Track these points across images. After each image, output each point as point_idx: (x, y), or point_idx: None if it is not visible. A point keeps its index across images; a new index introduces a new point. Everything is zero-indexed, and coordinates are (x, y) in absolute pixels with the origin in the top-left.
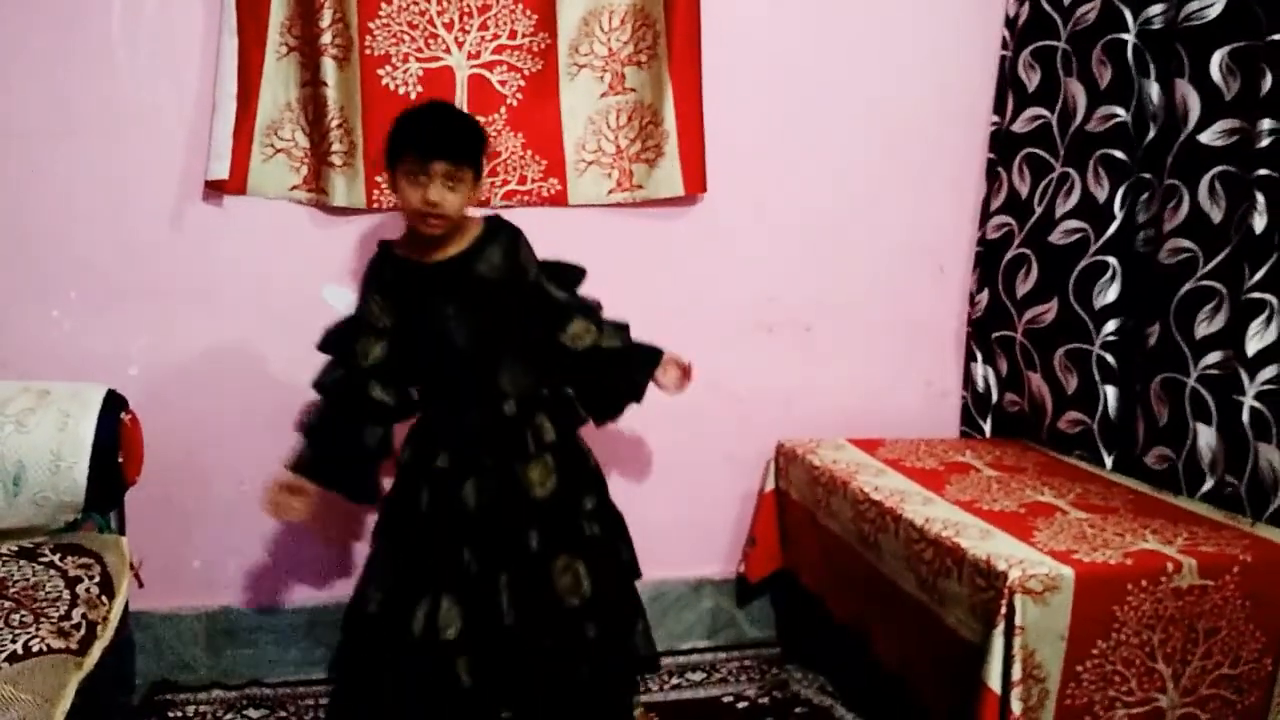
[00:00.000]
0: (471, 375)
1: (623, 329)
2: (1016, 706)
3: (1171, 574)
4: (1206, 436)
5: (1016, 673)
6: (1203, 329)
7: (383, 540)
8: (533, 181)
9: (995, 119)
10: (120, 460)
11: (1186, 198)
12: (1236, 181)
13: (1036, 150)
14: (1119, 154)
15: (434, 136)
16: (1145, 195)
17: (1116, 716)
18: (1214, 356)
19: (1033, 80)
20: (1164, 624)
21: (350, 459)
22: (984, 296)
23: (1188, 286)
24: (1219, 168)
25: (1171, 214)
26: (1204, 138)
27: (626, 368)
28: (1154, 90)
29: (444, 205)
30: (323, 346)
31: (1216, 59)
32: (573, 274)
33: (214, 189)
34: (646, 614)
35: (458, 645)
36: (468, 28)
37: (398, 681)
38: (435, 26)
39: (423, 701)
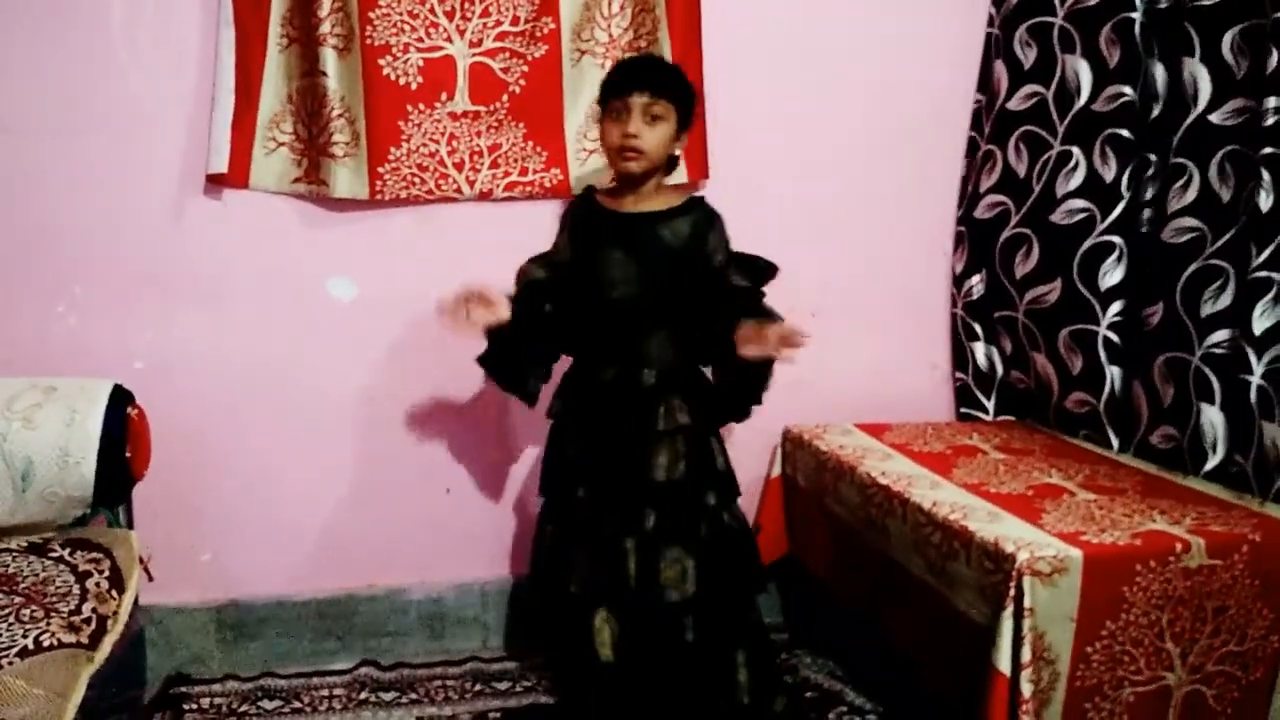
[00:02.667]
0: (619, 332)
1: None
2: (1027, 689)
3: (1180, 554)
4: (1210, 415)
5: (1026, 655)
6: (1208, 308)
7: (549, 495)
8: (534, 172)
9: (979, 97)
10: (128, 455)
11: (1196, 177)
12: (1245, 161)
13: (1034, 128)
14: (1126, 133)
15: (634, 70)
16: (1149, 175)
17: (1124, 696)
18: (1219, 335)
19: (1029, 57)
20: (1173, 604)
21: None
22: (980, 277)
23: (1195, 266)
24: (1229, 147)
25: (1179, 194)
26: (1214, 117)
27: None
28: (1159, 70)
29: (641, 139)
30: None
31: (1228, 39)
32: (763, 270)
33: (216, 183)
34: (767, 649)
35: (586, 598)
36: (469, 14)
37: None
38: (436, 15)
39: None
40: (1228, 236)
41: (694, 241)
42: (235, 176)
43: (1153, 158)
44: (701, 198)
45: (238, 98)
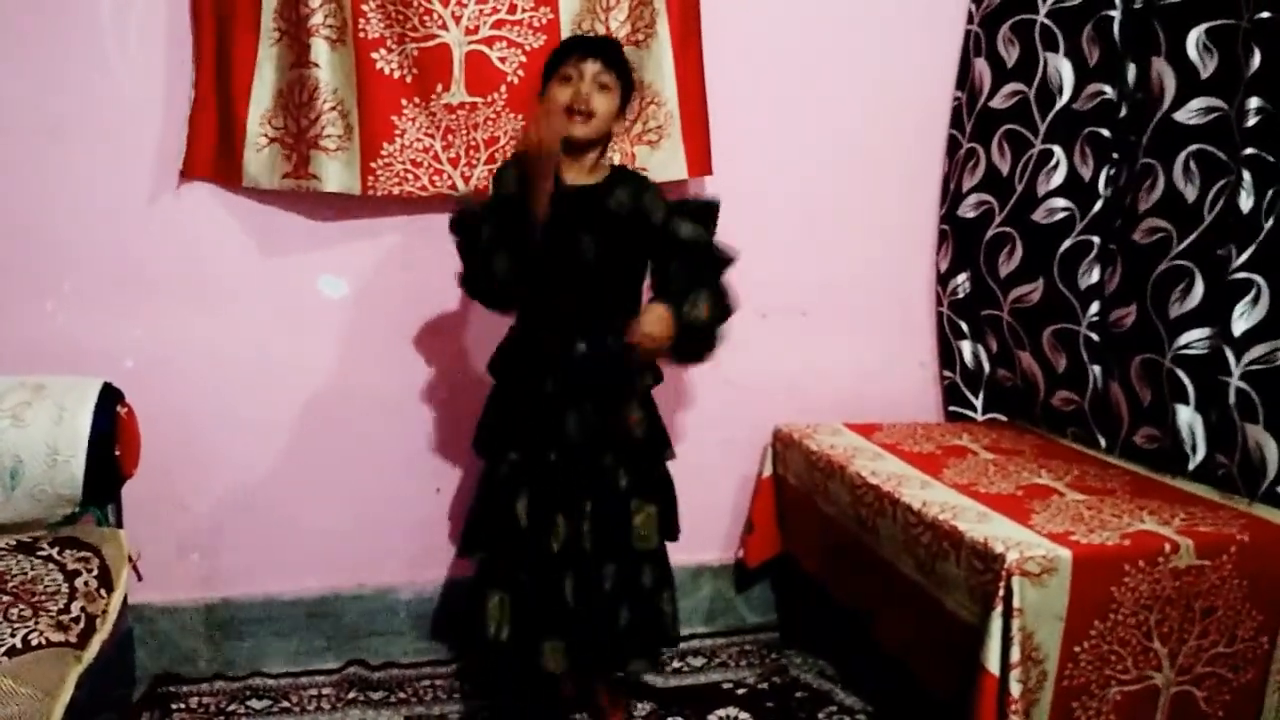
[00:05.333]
0: (587, 303)
1: (722, 302)
2: (1015, 688)
3: (1169, 554)
4: (1186, 416)
5: (1015, 654)
6: (1176, 309)
7: (489, 454)
8: None
9: (958, 94)
10: (117, 453)
11: (1161, 177)
12: (1211, 160)
13: (1016, 127)
14: (1105, 132)
15: (588, 42)
16: (1124, 174)
17: (1111, 695)
18: (1188, 336)
19: (1011, 55)
20: (1161, 604)
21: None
22: (965, 276)
23: (1163, 266)
24: (1194, 146)
25: (1147, 193)
26: (1179, 116)
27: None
28: (1132, 69)
29: (592, 102)
30: (455, 223)
31: (1193, 37)
32: (705, 209)
33: (207, 180)
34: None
35: (563, 559)
36: (465, 1)
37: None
38: (431, 2)
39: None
40: (1193, 237)
41: (633, 205)
42: (228, 174)
43: (1121, 155)
44: (624, 166)
45: (231, 95)
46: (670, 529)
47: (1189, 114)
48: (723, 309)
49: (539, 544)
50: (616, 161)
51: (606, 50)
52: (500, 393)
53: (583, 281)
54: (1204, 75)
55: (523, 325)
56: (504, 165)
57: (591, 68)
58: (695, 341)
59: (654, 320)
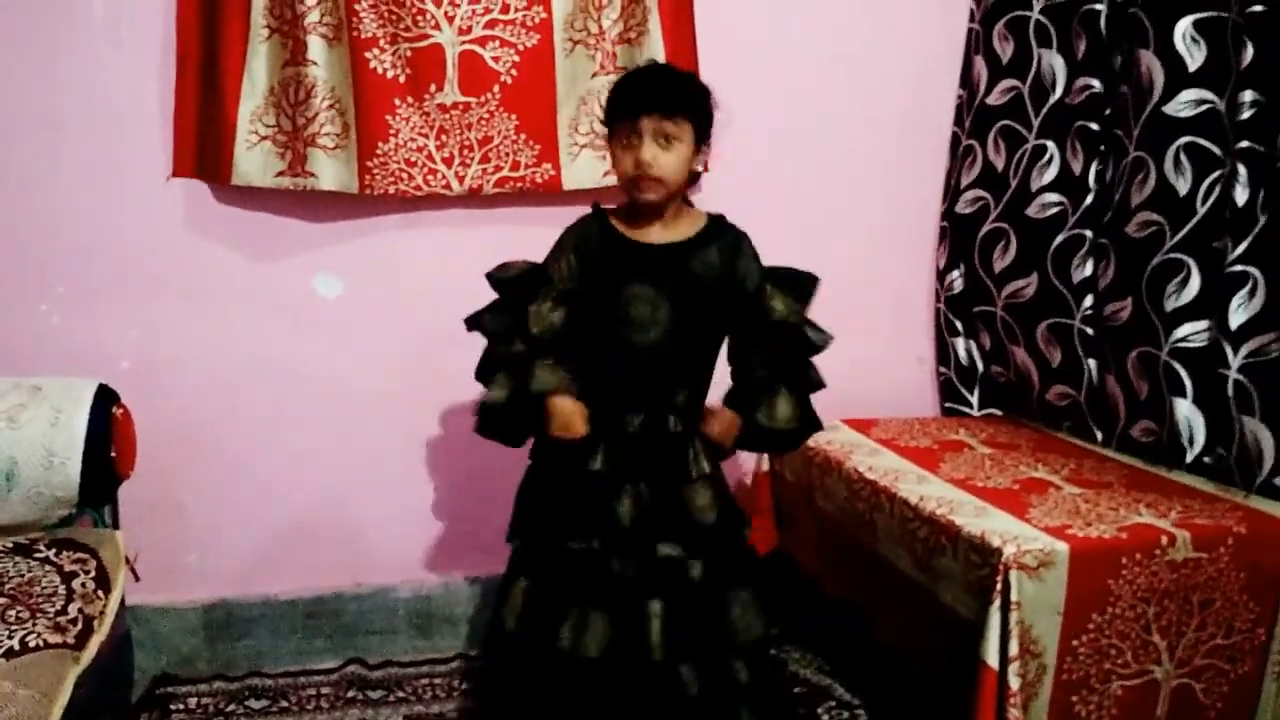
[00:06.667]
0: (650, 375)
1: (805, 405)
2: (1014, 682)
3: (1166, 547)
4: (1184, 409)
5: (1013, 648)
6: (1172, 302)
7: (526, 543)
8: (526, 167)
9: (960, 92)
10: (113, 455)
11: (1153, 170)
12: (1202, 153)
13: (1010, 122)
14: (1094, 126)
15: (640, 91)
16: (1111, 167)
17: (1112, 689)
18: (1185, 329)
19: (1006, 52)
20: (1159, 597)
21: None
22: (960, 271)
23: (1157, 260)
24: (1185, 139)
25: (1139, 187)
26: (1169, 109)
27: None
28: (1118, 61)
29: (657, 165)
30: (491, 307)
31: (1180, 29)
32: (805, 284)
33: (198, 179)
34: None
35: (599, 664)
36: (458, 1)
37: (538, 694)
38: (424, 2)
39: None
40: (1187, 230)
41: (725, 270)
42: (218, 172)
43: (1120, 149)
44: (722, 216)
45: (220, 92)
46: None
47: (1179, 106)
48: (804, 415)
49: (571, 650)
50: (601, 164)
51: (665, 98)
52: (537, 474)
53: (651, 351)
54: (1192, 68)
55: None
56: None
57: (650, 125)
58: (769, 444)
59: (722, 425)
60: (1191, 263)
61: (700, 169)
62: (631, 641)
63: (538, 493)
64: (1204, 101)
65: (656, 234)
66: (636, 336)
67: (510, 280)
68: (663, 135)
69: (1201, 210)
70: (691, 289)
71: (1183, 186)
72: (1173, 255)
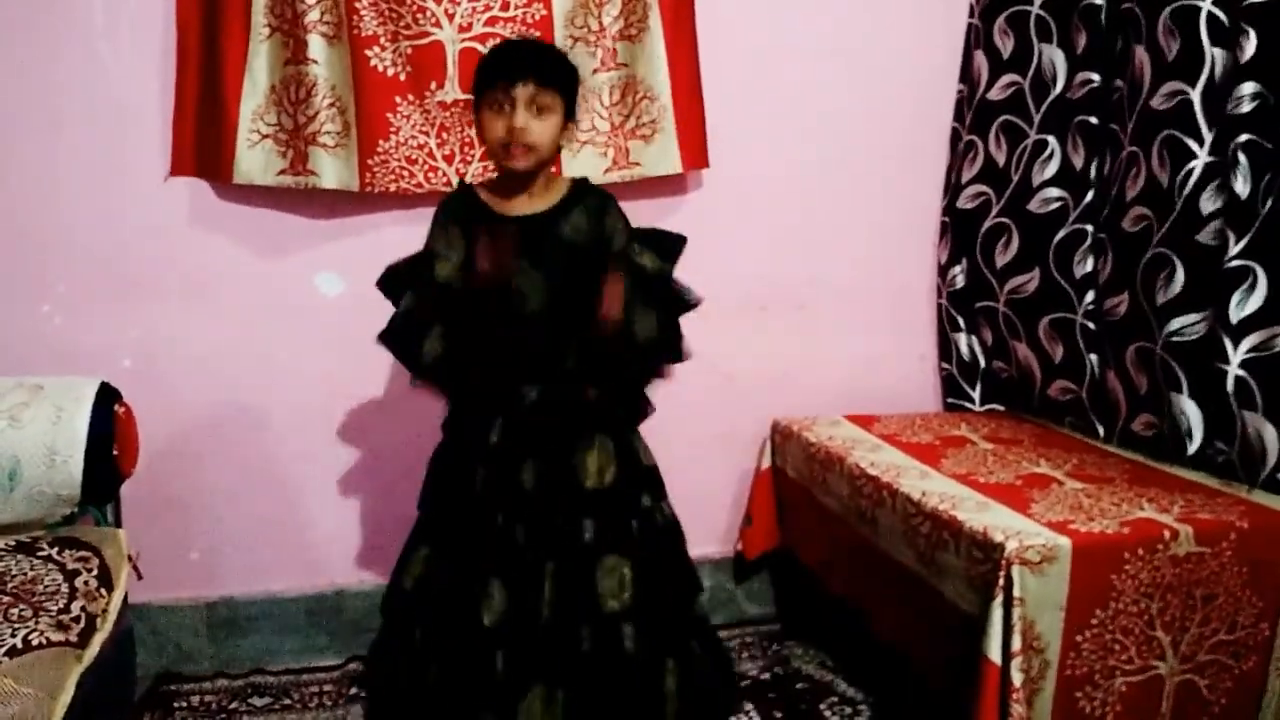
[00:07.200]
0: (537, 344)
1: (672, 331)
2: (1017, 678)
3: (1169, 542)
4: (1181, 403)
5: (1016, 644)
6: (1161, 296)
7: (430, 513)
8: None
9: (960, 87)
10: (115, 453)
11: (1144, 164)
12: (1177, 144)
13: (1011, 117)
14: (1094, 121)
15: (516, 58)
16: (1108, 162)
17: (1116, 685)
18: (1177, 323)
19: (1007, 46)
20: (1162, 592)
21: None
22: (961, 267)
23: (1148, 254)
24: (1165, 132)
25: (1133, 181)
26: (1154, 102)
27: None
28: (1117, 56)
29: (530, 133)
30: (384, 282)
31: (1161, 21)
32: (671, 244)
33: (199, 177)
34: (713, 647)
35: (497, 633)
36: None
37: (438, 663)
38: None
39: (459, 686)
40: (1169, 223)
41: (593, 231)
42: (219, 170)
43: (1103, 143)
44: (585, 179)
45: (221, 90)
46: (667, 585)
47: (1160, 100)
48: (668, 334)
49: (469, 617)
50: (603, 161)
51: (539, 67)
52: (444, 449)
53: (532, 322)
54: (1169, 59)
55: (472, 373)
56: (443, 202)
57: (524, 92)
58: (636, 346)
59: (611, 294)
60: (1174, 256)
61: (564, 141)
62: (528, 604)
63: (445, 464)
64: (1178, 93)
65: (522, 205)
66: (519, 308)
67: (400, 270)
68: (536, 104)
69: (1179, 203)
70: (565, 256)
71: (1164, 179)
72: (1160, 250)
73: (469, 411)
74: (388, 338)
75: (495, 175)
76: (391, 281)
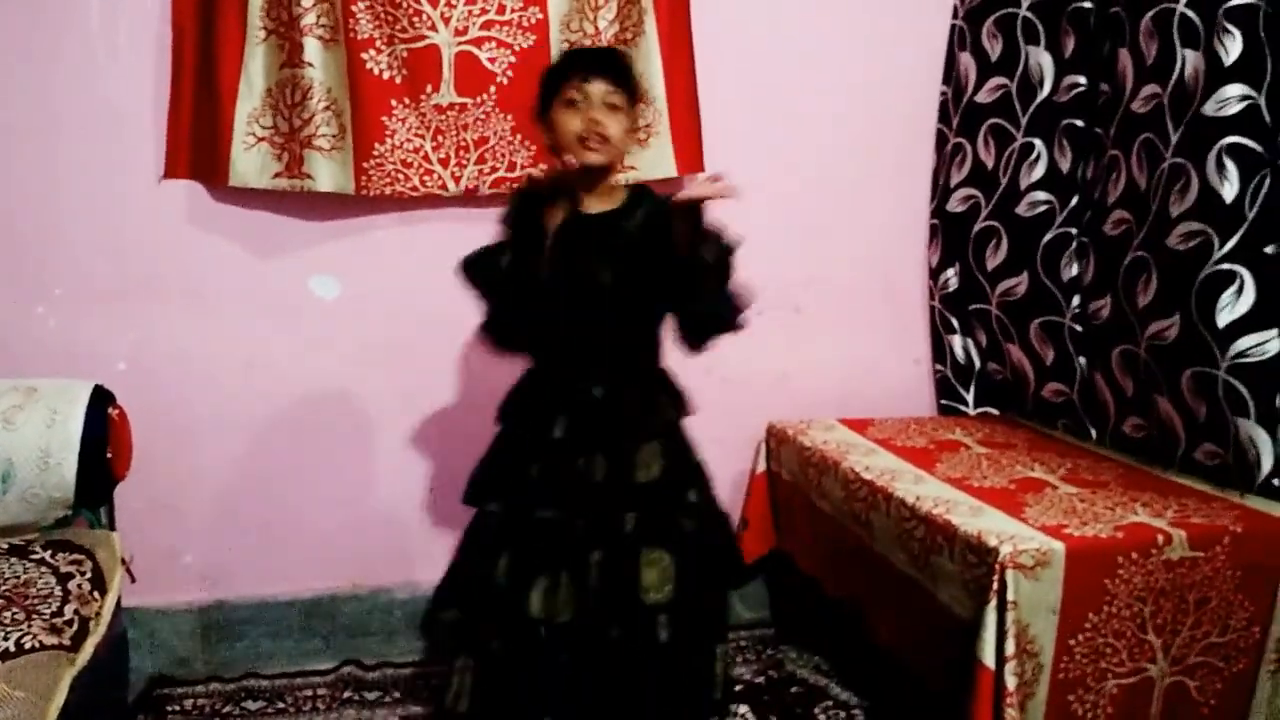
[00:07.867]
0: (606, 342)
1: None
2: (1011, 681)
3: (1162, 546)
4: (1164, 406)
5: (1010, 648)
6: (1141, 300)
7: (490, 508)
8: (522, 168)
9: (944, 89)
10: (109, 456)
11: (1124, 168)
12: (1152, 148)
13: (1000, 120)
14: (1081, 124)
15: (591, 58)
16: (1096, 165)
17: (1108, 688)
18: (1156, 326)
19: (995, 49)
20: (1155, 596)
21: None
22: (954, 270)
23: (1129, 258)
24: (1143, 135)
25: (1114, 185)
26: (1135, 105)
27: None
28: (1103, 59)
29: (607, 126)
30: (470, 268)
31: (1143, 25)
32: (728, 245)
33: (194, 179)
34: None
35: (547, 624)
36: (454, 1)
37: (511, 658)
38: (420, 3)
39: (533, 681)
40: (1146, 227)
41: (656, 233)
42: (215, 174)
43: (1092, 147)
44: (642, 185)
45: (216, 94)
46: (712, 576)
47: (1139, 102)
48: (728, 260)
49: (517, 607)
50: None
51: (613, 66)
52: (504, 440)
53: (601, 316)
54: (1149, 62)
55: (536, 367)
56: (514, 196)
57: (598, 89)
58: (712, 277)
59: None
60: (1150, 260)
61: (628, 147)
62: (577, 595)
63: (497, 458)
64: (1153, 97)
65: (594, 204)
66: (587, 305)
67: (481, 259)
68: (609, 103)
69: (1154, 206)
70: (630, 249)
71: (1142, 182)
72: (1139, 253)
73: (534, 397)
74: (469, 267)
75: (561, 174)
76: (473, 269)
